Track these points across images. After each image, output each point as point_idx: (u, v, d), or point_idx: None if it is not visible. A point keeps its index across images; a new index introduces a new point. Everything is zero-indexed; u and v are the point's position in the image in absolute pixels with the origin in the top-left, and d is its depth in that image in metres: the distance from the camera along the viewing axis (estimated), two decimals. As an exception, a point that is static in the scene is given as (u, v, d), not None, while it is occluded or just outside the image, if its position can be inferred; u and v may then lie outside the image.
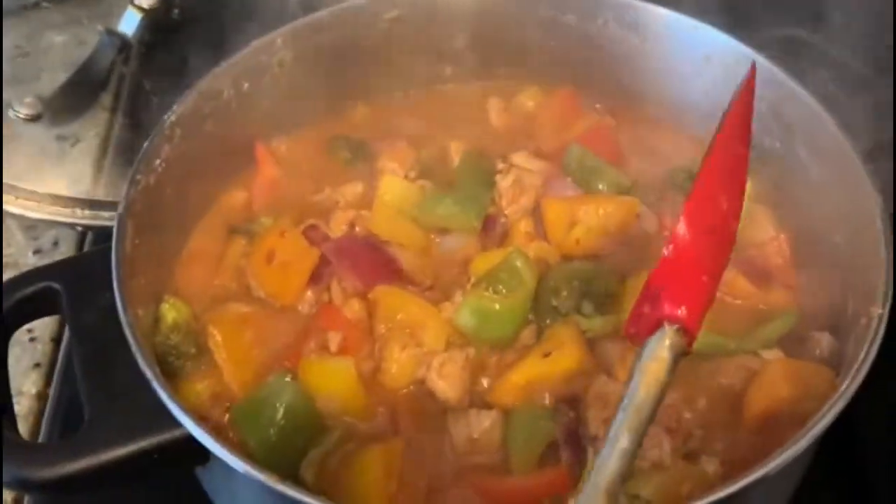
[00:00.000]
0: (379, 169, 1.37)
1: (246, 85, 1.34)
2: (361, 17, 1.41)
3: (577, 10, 1.41)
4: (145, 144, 1.22)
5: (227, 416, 1.13)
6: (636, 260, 1.23)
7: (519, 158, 1.36)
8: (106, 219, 1.47)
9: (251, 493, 1.03)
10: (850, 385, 0.98)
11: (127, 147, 1.54)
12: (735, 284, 1.21)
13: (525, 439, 1.09)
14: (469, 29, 1.46)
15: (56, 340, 1.49)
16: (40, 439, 1.36)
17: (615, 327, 1.17)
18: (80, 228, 1.58)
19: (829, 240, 1.06)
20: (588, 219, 1.26)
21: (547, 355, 1.14)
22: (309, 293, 1.23)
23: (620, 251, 1.26)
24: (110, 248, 1.11)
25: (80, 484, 1.00)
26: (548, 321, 1.19)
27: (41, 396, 1.43)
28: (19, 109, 1.55)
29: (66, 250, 1.59)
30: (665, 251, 0.90)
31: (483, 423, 1.10)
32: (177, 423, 1.00)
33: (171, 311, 1.19)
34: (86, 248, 1.59)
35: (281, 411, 1.08)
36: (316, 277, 1.24)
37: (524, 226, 1.29)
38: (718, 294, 0.92)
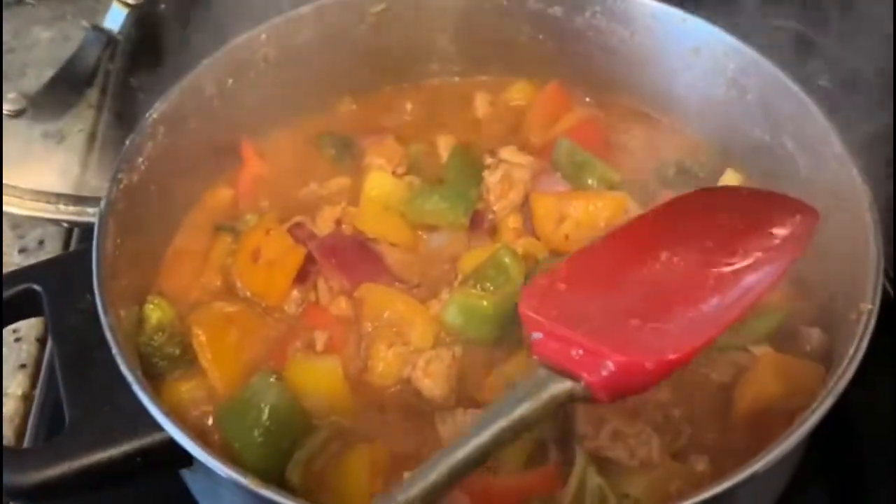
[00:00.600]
0: (366, 165, 1.36)
1: (230, 81, 1.32)
2: (347, 11, 1.40)
3: (564, 2, 1.40)
4: (127, 142, 1.21)
5: (212, 417, 1.12)
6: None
7: (507, 153, 1.34)
8: (91, 215, 1.45)
9: (235, 497, 1.02)
10: (839, 381, 0.98)
11: (113, 144, 1.52)
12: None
13: (513, 439, 1.08)
14: (456, 23, 1.44)
15: (42, 341, 1.47)
16: (26, 441, 1.35)
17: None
18: (65, 225, 1.57)
19: (818, 235, 1.05)
20: (577, 214, 1.25)
21: (535, 353, 1.13)
22: (295, 292, 1.22)
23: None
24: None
25: (62, 490, 0.99)
26: (536, 318, 1.18)
27: (27, 398, 1.42)
28: (4, 105, 1.54)
29: (51, 249, 1.58)
30: None
31: (470, 423, 1.09)
32: (159, 427, 0.99)
33: (155, 312, 1.17)
34: (72, 246, 1.57)
35: (266, 412, 1.07)
36: (302, 276, 1.23)
37: (513, 221, 1.28)
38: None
